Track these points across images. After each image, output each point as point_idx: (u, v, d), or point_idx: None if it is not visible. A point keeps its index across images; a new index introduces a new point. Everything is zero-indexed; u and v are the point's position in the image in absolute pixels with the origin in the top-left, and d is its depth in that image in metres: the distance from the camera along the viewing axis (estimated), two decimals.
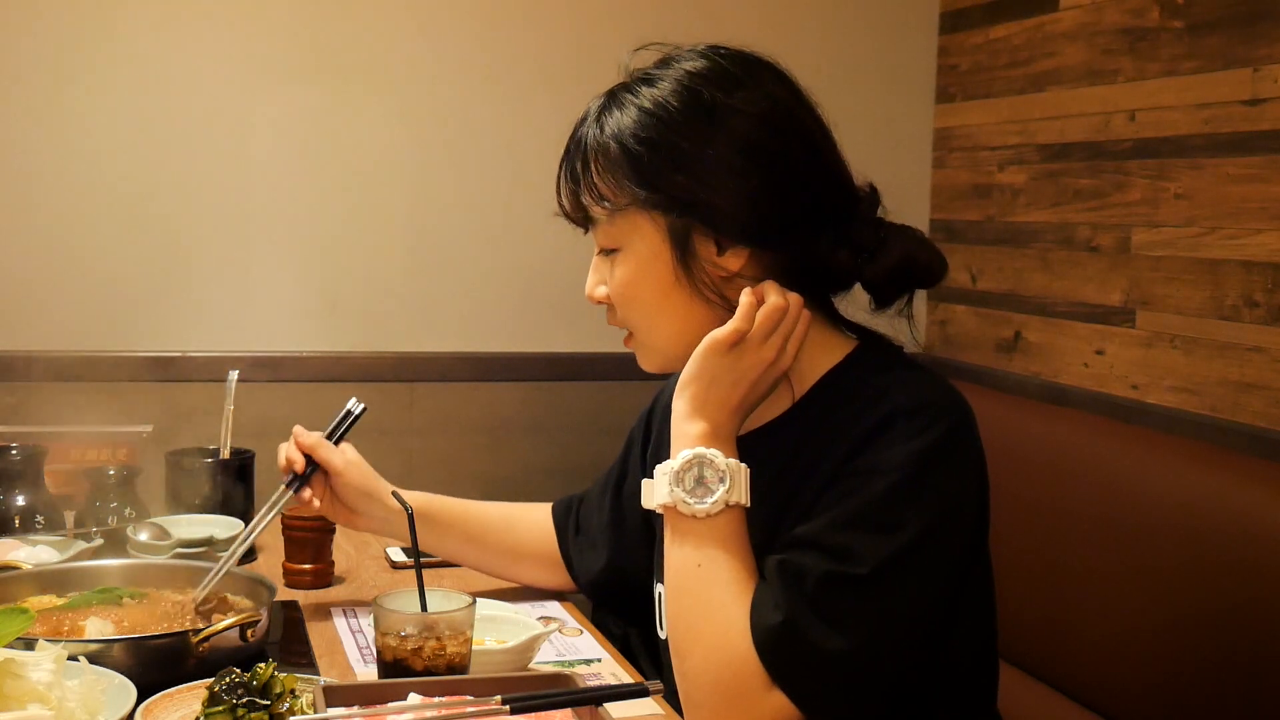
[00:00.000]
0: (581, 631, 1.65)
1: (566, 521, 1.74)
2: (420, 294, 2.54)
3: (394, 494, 1.59)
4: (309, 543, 1.80)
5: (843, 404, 1.31)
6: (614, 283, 1.35)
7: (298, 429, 1.69)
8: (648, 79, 1.33)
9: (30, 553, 1.68)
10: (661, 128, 1.29)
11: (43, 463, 1.88)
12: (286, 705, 1.18)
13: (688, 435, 1.29)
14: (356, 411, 1.70)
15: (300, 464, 1.65)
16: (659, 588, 1.49)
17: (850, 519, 1.24)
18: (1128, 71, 2.20)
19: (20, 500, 1.82)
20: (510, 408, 2.57)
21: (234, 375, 1.95)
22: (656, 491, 1.30)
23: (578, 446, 2.61)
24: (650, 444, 1.60)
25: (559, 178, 1.38)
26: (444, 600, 1.36)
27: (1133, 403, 2.16)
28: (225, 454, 1.92)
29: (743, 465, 1.28)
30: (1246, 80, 1.95)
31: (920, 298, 1.44)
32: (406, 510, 1.45)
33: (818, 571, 1.22)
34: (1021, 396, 2.35)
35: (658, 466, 1.31)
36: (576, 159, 1.35)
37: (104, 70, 2.36)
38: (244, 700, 1.17)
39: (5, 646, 1.23)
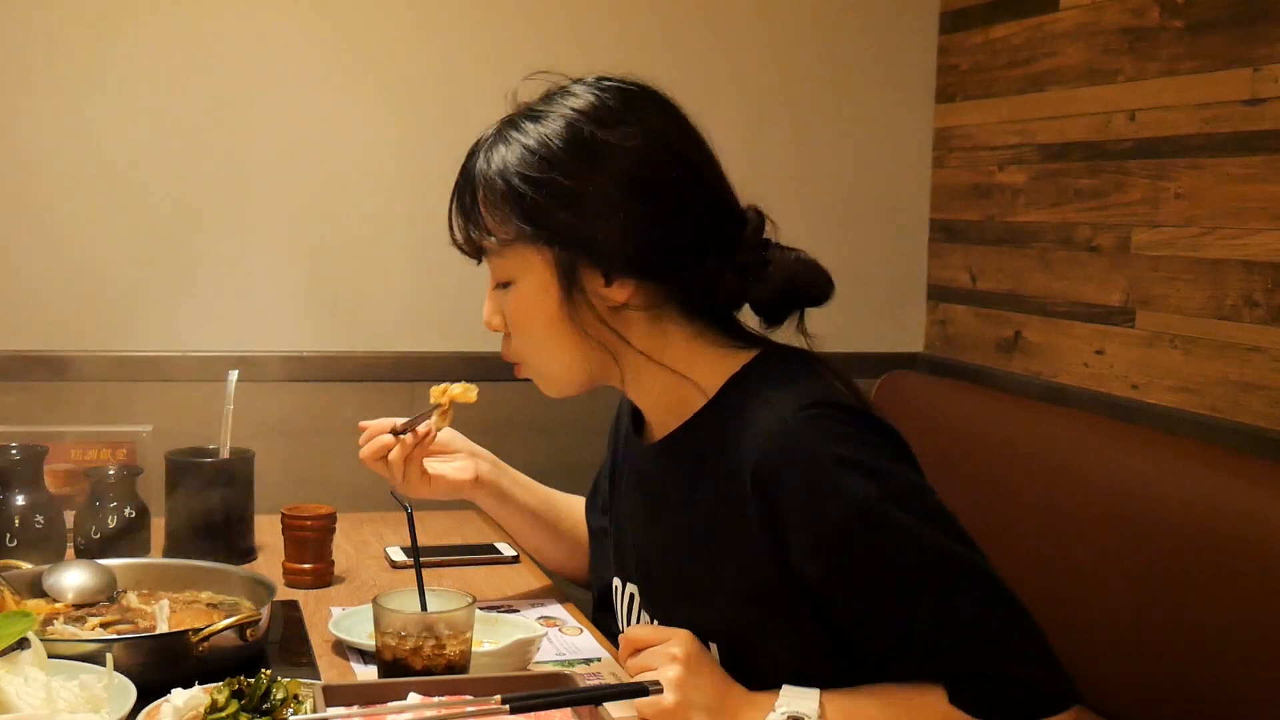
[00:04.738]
0: (581, 631, 1.66)
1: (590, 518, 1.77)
2: (420, 294, 2.54)
3: (392, 494, 1.59)
4: (309, 542, 1.80)
5: (734, 416, 1.33)
6: (507, 314, 1.41)
7: None
8: (534, 115, 1.36)
9: None
10: (544, 165, 1.32)
11: (43, 463, 1.88)
12: (290, 710, 1.18)
13: None
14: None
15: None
16: (616, 581, 1.53)
17: (878, 577, 1.26)
18: (1128, 71, 2.20)
19: (20, 500, 1.82)
20: (510, 408, 2.56)
21: (234, 375, 1.95)
22: None
23: (578, 446, 2.60)
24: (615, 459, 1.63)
25: (450, 210, 1.41)
26: (444, 600, 1.37)
27: (1133, 402, 2.16)
28: (225, 454, 1.92)
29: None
30: (1246, 80, 1.95)
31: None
32: (407, 511, 1.45)
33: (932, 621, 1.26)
34: (1021, 396, 2.35)
35: None
36: (466, 193, 1.38)
37: (104, 70, 2.36)
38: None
39: (5, 647, 1.23)
